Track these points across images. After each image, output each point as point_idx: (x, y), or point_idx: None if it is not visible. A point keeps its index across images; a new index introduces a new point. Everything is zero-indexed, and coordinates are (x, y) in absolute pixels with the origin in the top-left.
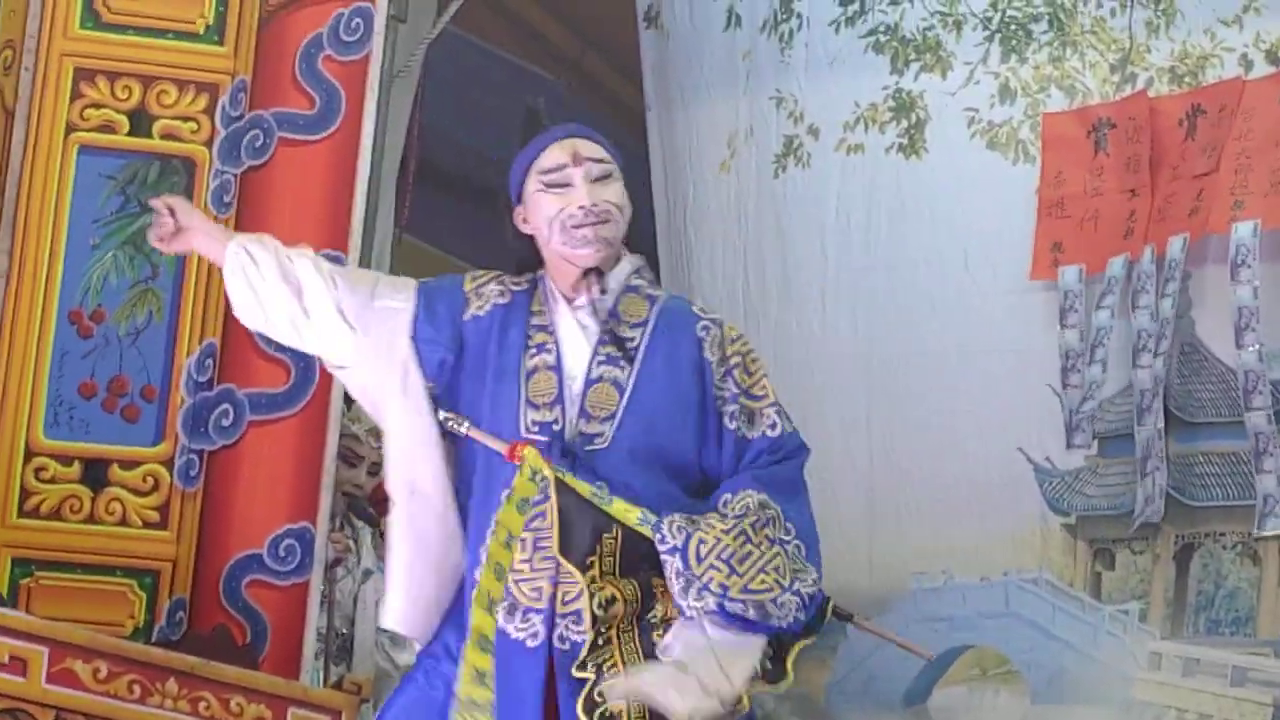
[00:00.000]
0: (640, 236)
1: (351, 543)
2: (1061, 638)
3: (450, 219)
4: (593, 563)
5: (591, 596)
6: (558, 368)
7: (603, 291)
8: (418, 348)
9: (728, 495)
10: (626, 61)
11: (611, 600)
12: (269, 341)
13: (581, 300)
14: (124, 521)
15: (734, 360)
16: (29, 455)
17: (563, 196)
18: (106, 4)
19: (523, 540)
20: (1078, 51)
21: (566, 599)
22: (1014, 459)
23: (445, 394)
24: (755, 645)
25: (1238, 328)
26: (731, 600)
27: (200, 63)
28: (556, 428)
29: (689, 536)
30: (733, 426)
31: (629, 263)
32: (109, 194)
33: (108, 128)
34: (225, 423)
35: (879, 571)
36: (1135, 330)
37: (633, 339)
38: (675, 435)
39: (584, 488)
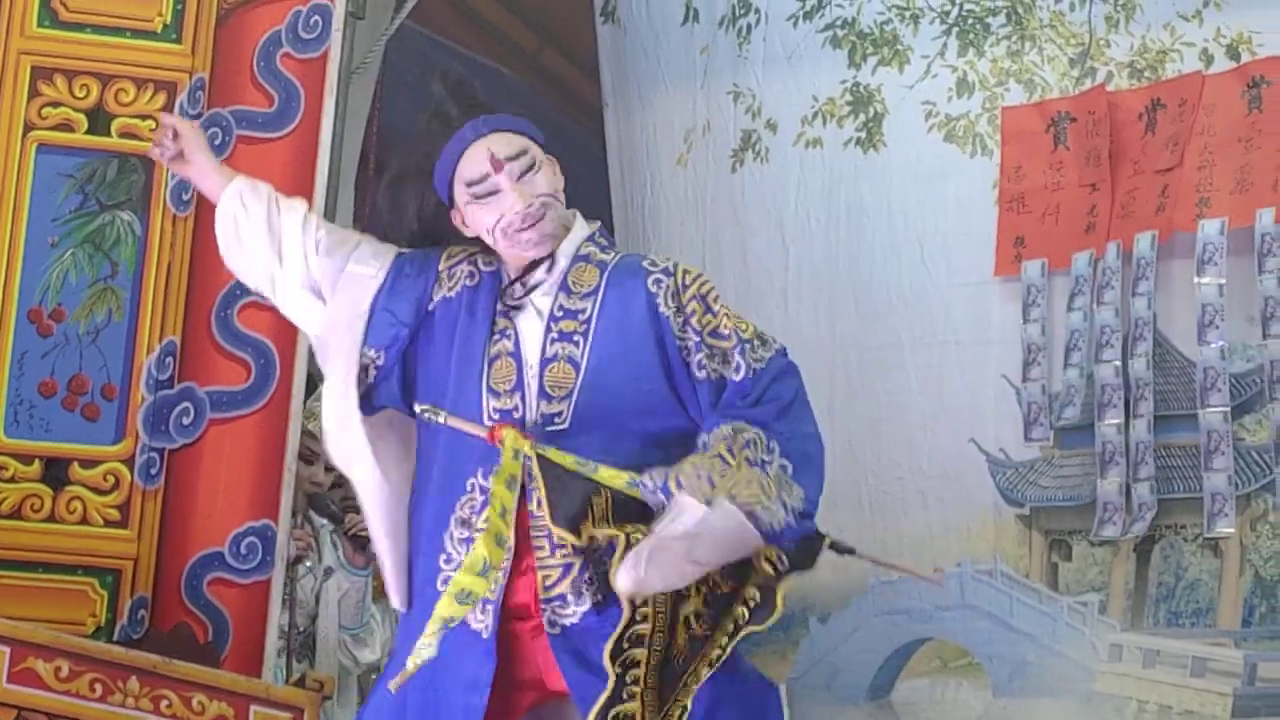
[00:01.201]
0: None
1: (313, 540)
2: (1021, 630)
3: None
4: (584, 528)
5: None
6: (516, 353)
7: (550, 269)
8: (371, 316)
9: (704, 438)
10: (585, 57)
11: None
12: (229, 338)
13: (534, 279)
14: (85, 520)
15: (690, 306)
16: None
17: (495, 206)
18: (64, 2)
19: (481, 530)
20: (1036, 45)
21: (549, 583)
22: (968, 450)
23: (397, 371)
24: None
25: (1201, 324)
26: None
27: (158, 61)
28: (517, 415)
29: (667, 475)
30: (702, 375)
31: (580, 230)
32: (67, 192)
33: (66, 126)
34: (186, 421)
35: (839, 567)
36: (1099, 325)
37: (584, 310)
38: (642, 403)
39: (567, 459)
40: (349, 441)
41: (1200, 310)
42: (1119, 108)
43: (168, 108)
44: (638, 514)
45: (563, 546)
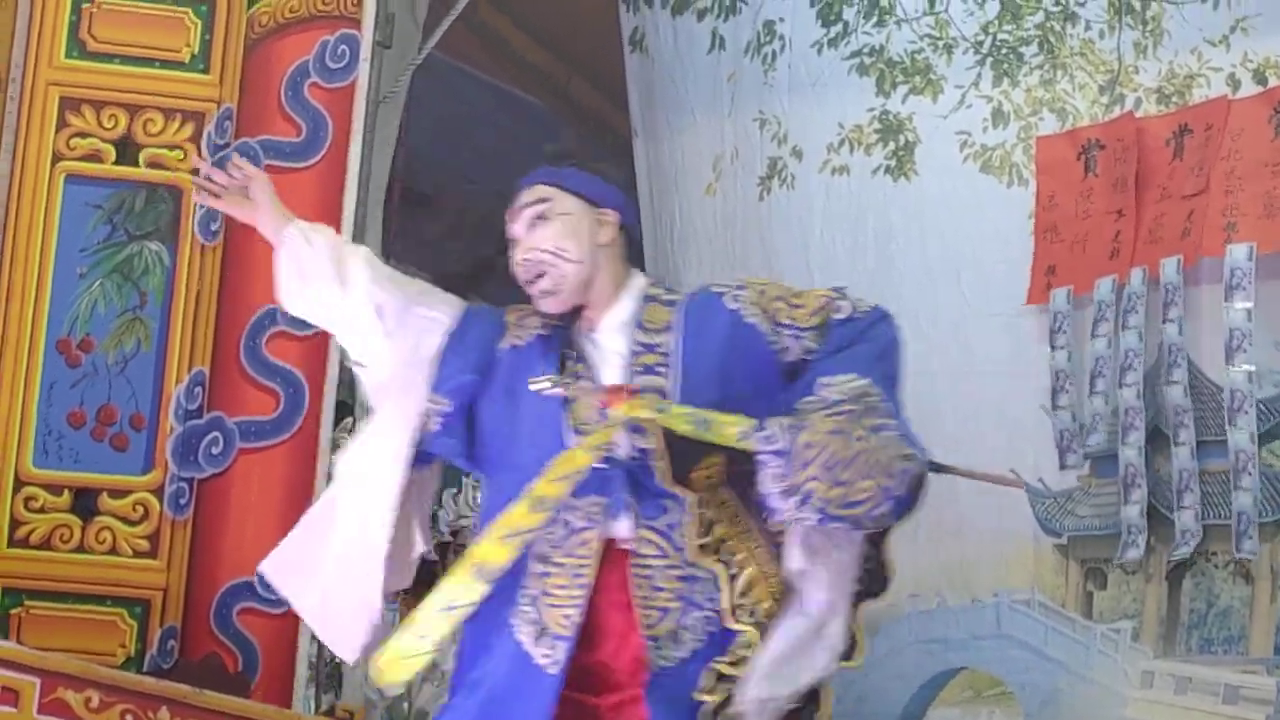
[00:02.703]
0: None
1: None
2: (1055, 658)
3: (438, 244)
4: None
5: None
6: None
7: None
8: (442, 364)
9: (824, 379)
10: (612, 87)
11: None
12: (258, 367)
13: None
14: (114, 550)
15: (776, 306)
16: (18, 485)
17: (515, 253)
18: (92, 33)
19: (561, 565)
20: (1067, 74)
21: (650, 624)
22: None
23: (460, 424)
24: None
25: (1229, 348)
26: (831, 516)
27: (186, 91)
28: (609, 451)
29: (795, 434)
30: (812, 359)
31: (640, 280)
32: (96, 223)
33: (94, 157)
34: (215, 450)
35: None
36: (1123, 350)
37: (662, 343)
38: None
39: (681, 424)
40: (377, 480)
41: (1228, 334)
42: (1147, 133)
43: (195, 138)
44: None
45: (662, 590)
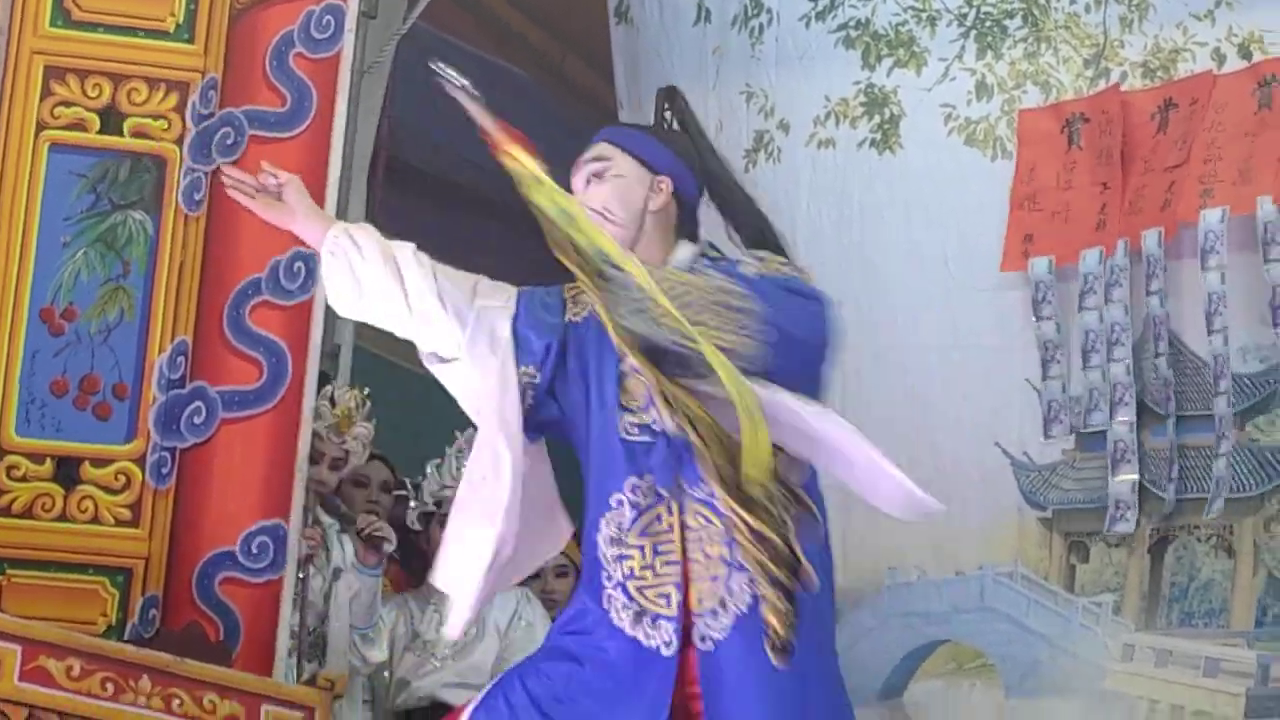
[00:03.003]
0: None
1: (322, 539)
2: (1036, 630)
3: (423, 216)
4: None
5: None
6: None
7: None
8: (518, 335)
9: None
10: (605, 63)
11: None
12: (241, 337)
13: None
14: (96, 519)
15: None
16: (1, 454)
17: None
18: (77, 2)
19: (640, 548)
20: (1052, 47)
21: (701, 598)
22: (990, 453)
23: (548, 388)
24: None
25: (1208, 314)
26: None
27: (171, 60)
28: (656, 427)
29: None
30: None
31: (685, 251)
32: (80, 192)
33: (78, 126)
34: (197, 420)
35: (852, 567)
36: (1109, 323)
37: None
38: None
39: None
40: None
41: (1206, 299)
42: (1132, 108)
43: (180, 107)
44: None
45: (711, 559)
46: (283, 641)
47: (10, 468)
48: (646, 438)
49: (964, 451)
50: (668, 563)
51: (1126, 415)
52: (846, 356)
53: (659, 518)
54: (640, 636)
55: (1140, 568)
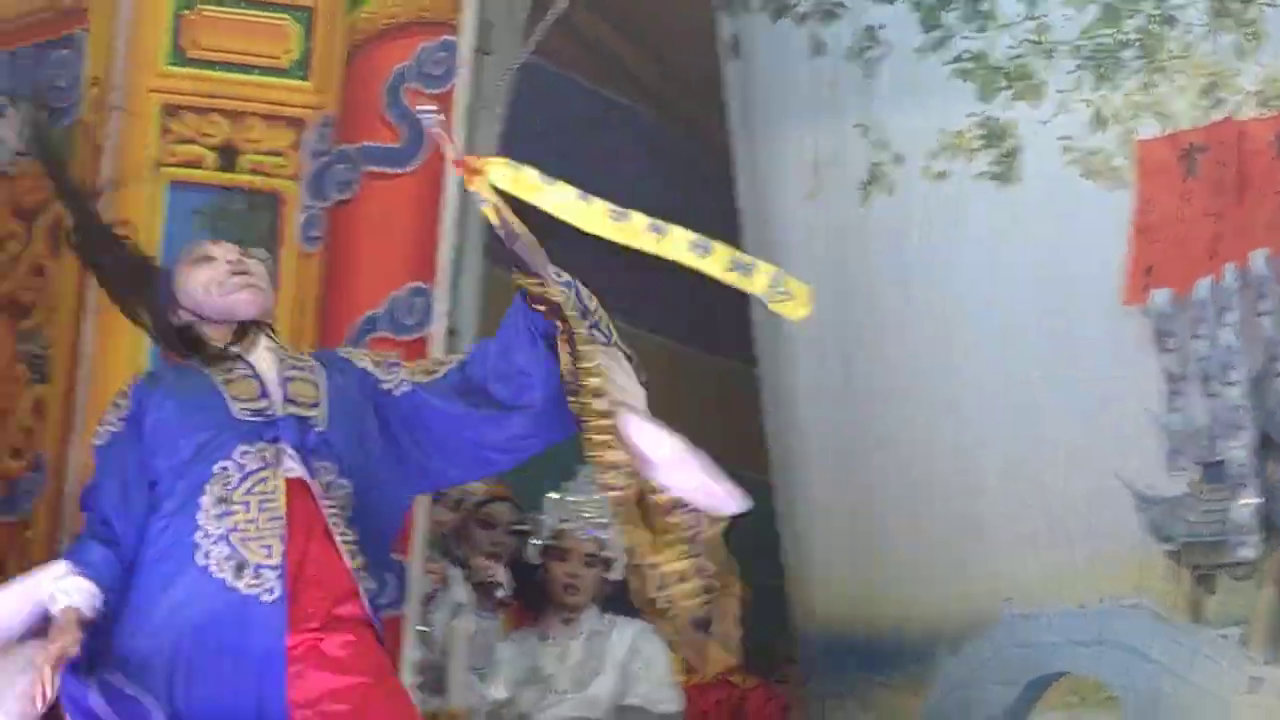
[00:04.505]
0: None
1: (445, 574)
2: (1159, 662)
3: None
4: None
5: None
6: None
7: None
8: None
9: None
10: (709, 92)
11: None
12: None
13: None
14: None
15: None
16: None
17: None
18: (194, 40)
19: (245, 504)
20: (1167, 77)
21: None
22: (1110, 484)
23: None
24: None
25: None
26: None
27: (286, 98)
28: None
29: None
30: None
31: None
32: (198, 228)
33: (196, 163)
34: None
35: (970, 599)
36: (1222, 346)
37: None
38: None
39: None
40: None
41: None
42: (1248, 136)
43: (296, 144)
44: None
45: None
46: (405, 676)
47: None
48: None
49: (1083, 483)
50: (271, 518)
51: (1244, 439)
52: (963, 390)
53: (265, 479)
54: (240, 586)
55: (1268, 600)
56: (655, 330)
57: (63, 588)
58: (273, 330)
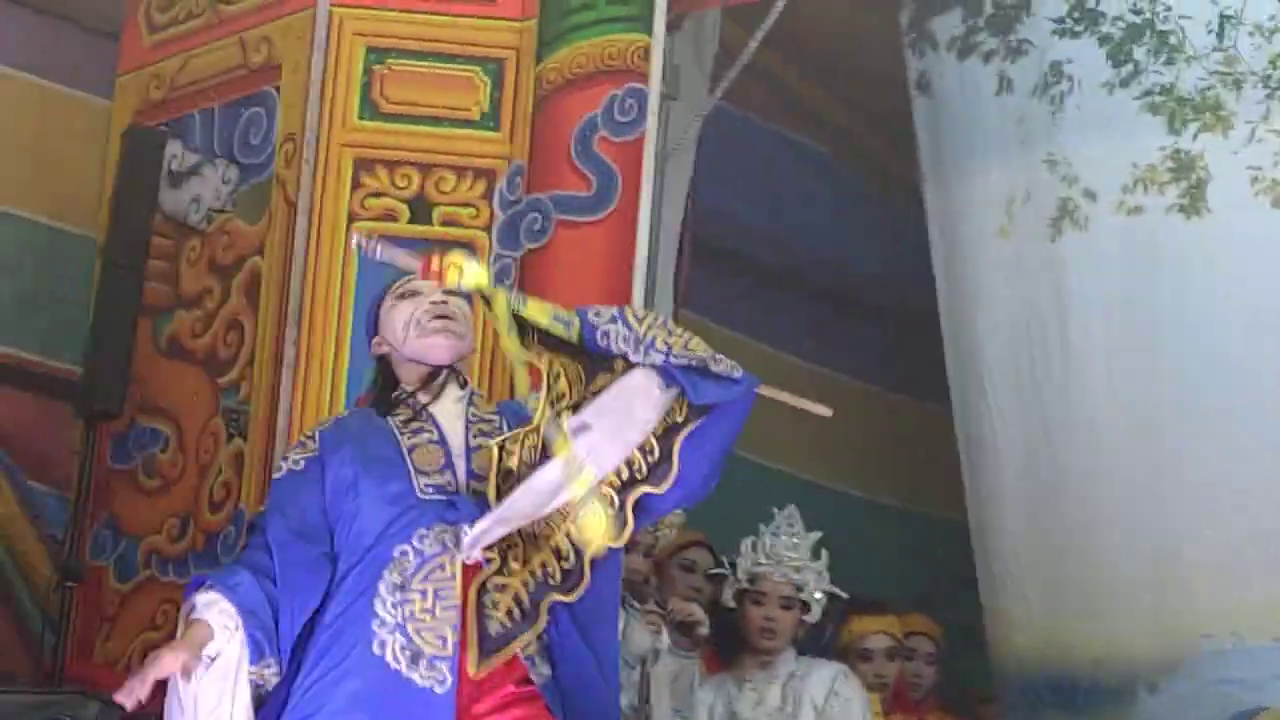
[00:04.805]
0: (921, 302)
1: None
2: None
3: (732, 297)
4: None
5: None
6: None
7: None
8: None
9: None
10: (896, 132)
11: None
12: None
13: None
14: None
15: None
16: None
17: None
18: (384, 94)
19: (422, 592)
20: None
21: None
22: None
23: None
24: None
25: None
26: (677, 356)
27: (477, 149)
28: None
29: (622, 311)
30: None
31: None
32: (391, 282)
33: (389, 216)
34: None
35: (1166, 634)
36: None
37: (494, 418)
38: None
39: (500, 301)
40: None
41: None
42: None
43: (488, 195)
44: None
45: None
46: None
47: None
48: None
49: None
50: (446, 608)
51: None
52: (1160, 421)
53: (442, 565)
54: (415, 678)
55: None
56: (864, 378)
57: (204, 600)
58: (464, 379)
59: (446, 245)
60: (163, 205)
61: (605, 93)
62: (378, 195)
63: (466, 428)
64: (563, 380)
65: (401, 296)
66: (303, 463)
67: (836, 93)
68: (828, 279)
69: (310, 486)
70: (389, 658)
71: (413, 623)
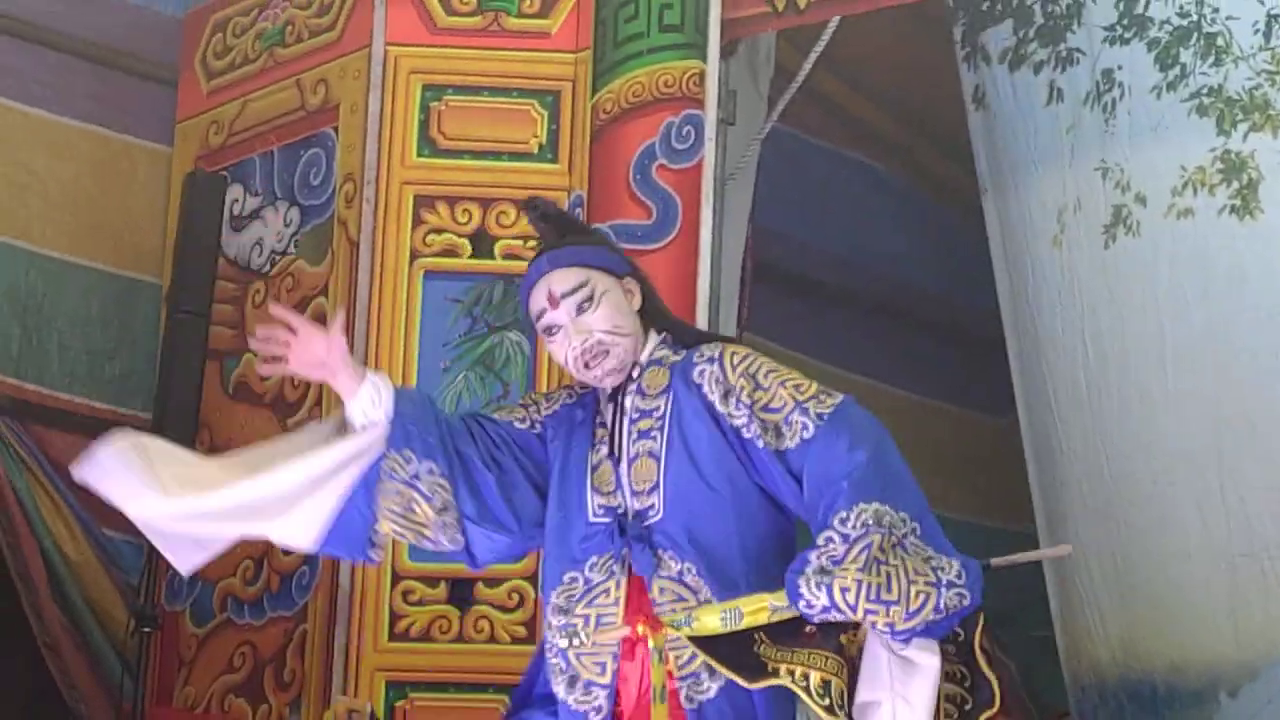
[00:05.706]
0: (983, 316)
1: None
2: None
3: (795, 319)
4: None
5: None
6: (613, 456)
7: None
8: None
9: (843, 512)
10: (952, 145)
11: None
12: None
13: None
14: (492, 639)
15: (740, 384)
16: (396, 579)
17: (560, 343)
18: (442, 131)
19: (585, 616)
20: None
21: (681, 662)
22: None
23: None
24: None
25: None
26: (900, 630)
27: (536, 181)
28: (619, 510)
29: (830, 589)
30: (761, 445)
31: (651, 342)
32: (456, 316)
33: (451, 252)
34: None
35: (1244, 640)
36: None
37: (657, 408)
38: (721, 477)
39: (710, 625)
40: None
41: None
42: None
43: None
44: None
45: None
46: None
47: (406, 593)
48: (609, 519)
49: None
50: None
51: None
52: (1221, 424)
53: (606, 590)
54: (571, 701)
55: None
56: (930, 394)
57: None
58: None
59: (510, 279)
60: (226, 250)
61: (662, 120)
62: (439, 231)
63: (631, 421)
64: (815, 676)
65: (545, 332)
66: (540, 422)
67: (890, 110)
68: (887, 294)
69: (530, 440)
70: (553, 678)
71: (573, 648)
